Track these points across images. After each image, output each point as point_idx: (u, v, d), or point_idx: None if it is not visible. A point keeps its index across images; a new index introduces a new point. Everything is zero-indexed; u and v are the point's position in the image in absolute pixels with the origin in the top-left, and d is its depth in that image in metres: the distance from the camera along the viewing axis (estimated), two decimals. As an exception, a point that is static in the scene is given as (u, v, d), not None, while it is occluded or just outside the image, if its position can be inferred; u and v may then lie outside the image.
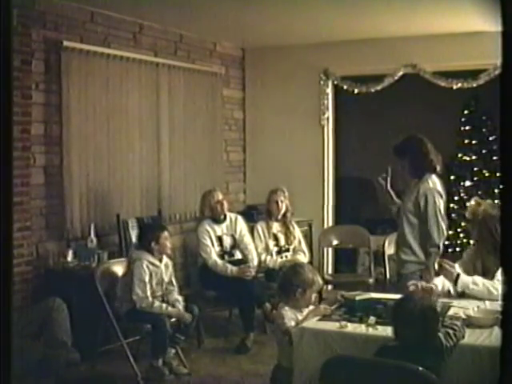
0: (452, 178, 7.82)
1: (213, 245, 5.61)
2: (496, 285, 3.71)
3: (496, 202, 4.37)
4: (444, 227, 4.34)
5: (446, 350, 2.88)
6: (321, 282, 3.69)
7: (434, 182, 4.38)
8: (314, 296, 3.61)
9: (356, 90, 6.97)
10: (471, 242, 4.42)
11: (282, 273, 3.90)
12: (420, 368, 2.69)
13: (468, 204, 4.38)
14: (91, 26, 5.48)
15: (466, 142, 7.81)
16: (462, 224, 7.59)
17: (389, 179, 4.59)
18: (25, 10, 4.71)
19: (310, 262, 6.15)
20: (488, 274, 3.97)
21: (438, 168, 4.43)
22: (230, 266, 5.51)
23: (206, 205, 5.68)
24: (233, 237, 5.75)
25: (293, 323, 3.47)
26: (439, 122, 7.99)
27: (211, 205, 5.65)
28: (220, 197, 5.69)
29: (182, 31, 6.49)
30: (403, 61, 6.69)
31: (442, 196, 4.37)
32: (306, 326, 3.44)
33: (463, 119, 7.87)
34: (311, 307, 3.60)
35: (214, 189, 5.80)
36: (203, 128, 6.82)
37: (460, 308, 3.58)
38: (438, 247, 4.31)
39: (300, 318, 3.51)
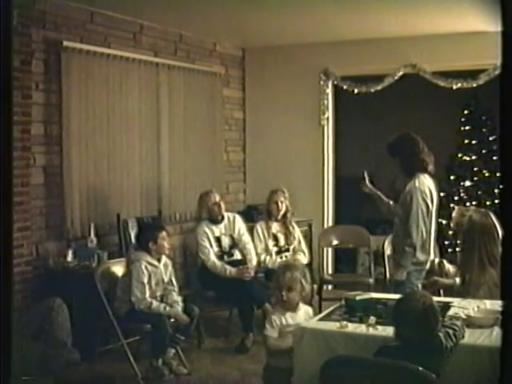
0: (452, 177, 7.81)
1: (211, 246, 5.60)
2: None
3: (490, 204, 4.37)
4: (424, 229, 4.25)
5: (446, 350, 2.88)
6: (308, 286, 3.65)
7: (422, 182, 4.30)
8: (298, 298, 3.61)
9: (356, 90, 6.96)
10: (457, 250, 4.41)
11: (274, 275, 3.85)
12: (420, 368, 2.69)
13: (453, 213, 4.37)
14: (91, 26, 5.48)
15: (466, 141, 7.80)
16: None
17: (367, 181, 4.57)
18: (25, 9, 4.71)
19: (310, 262, 6.16)
20: (472, 287, 3.98)
21: (430, 168, 4.37)
22: (228, 268, 5.50)
23: (203, 207, 5.65)
24: (231, 237, 5.74)
25: (275, 334, 3.51)
26: (439, 121, 7.98)
27: (208, 206, 5.63)
28: (217, 198, 5.66)
29: (182, 31, 6.49)
30: (403, 61, 6.69)
31: (426, 195, 4.28)
32: (307, 325, 3.45)
33: (463, 119, 7.85)
34: (300, 311, 3.62)
35: (211, 190, 5.77)
36: (203, 128, 6.81)
37: (460, 308, 3.59)
38: (415, 248, 4.23)
39: (284, 323, 3.54)
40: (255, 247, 5.83)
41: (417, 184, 4.27)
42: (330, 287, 6.89)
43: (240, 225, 5.83)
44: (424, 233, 4.26)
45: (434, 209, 4.36)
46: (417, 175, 4.31)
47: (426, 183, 4.32)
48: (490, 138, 7.72)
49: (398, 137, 4.46)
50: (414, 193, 4.25)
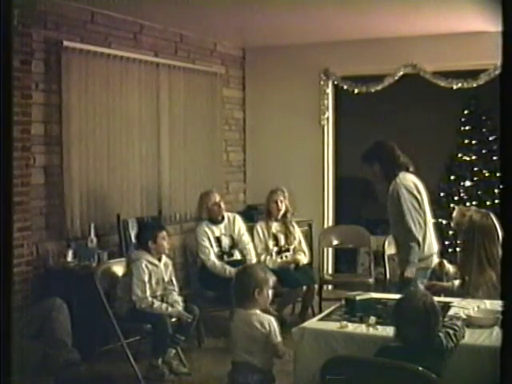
0: (452, 177, 7.81)
1: (211, 246, 5.60)
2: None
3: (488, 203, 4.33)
4: (420, 220, 4.26)
5: (446, 351, 2.88)
6: (274, 277, 3.50)
7: (404, 178, 4.34)
8: (270, 293, 3.46)
9: (356, 90, 6.96)
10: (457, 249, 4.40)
11: (234, 279, 3.64)
12: (420, 368, 2.69)
13: (454, 212, 4.37)
14: (91, 26, 5.48)
15: (466, 141, 7.80)
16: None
17: None
18: (25, 9, 4.71)
19: (310, 262, 6.16)
20: (471, 287, 3.98)
21: (411, 169, 4.43)
22: (228, 268, 5.50)
23: (203, 207, 5.66)
24: (231, 237, 5.74)
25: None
26: (439, 121, 7.98)
27: (208, 207, 5.63)
28: (217, 198, 5.67)
29: (182, 31, 6.49)
30: (403, 61, 6.69)
31: (412, 188, 4.31)
32: (307, 325, 3.45)
33: (463, 119, 7.86)
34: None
35: (211, 190, 5.78)
36: (203, 128, 6.81)
37: (460, 308, 3.59)
38: (418, 242, 4.24)
39: None
40: (255, 247, 5.84)
41: (398, 181, 4.32)
42: (330, 287, 6.89)
43: (240, 225, 5.83)
44: (422, 223, 4.27)
45: (424, 200, 4.38)
46: (398, 175, 4.35)
47: (407, 178, 4.37)
48: (490, 138, 7.72)
49: (374, 144, 4.52)
50: (399, 189, 4.29)
